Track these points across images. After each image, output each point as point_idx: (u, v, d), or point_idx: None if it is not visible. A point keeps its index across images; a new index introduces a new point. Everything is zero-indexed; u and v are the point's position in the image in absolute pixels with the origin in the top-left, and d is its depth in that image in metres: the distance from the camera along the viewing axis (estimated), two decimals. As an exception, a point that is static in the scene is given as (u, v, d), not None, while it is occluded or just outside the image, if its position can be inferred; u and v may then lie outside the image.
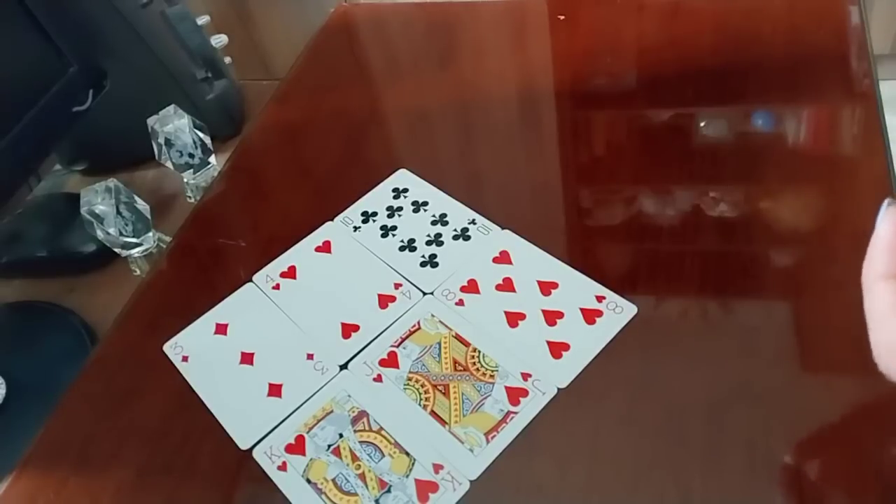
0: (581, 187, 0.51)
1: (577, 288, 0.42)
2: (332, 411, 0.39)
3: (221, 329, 0.45)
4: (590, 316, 0.41)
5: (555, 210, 0.50)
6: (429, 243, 0.47)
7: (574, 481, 0.35)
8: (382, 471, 0.36)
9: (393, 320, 0.43)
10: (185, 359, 0.44)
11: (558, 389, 0.38)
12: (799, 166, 0.48)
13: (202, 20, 0.79)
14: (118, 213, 0.60)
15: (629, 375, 0.38)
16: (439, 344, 0.41)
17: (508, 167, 0.53)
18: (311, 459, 0.37)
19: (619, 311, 0.41)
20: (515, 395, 0.38)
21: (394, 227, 0.48)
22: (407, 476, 0.36)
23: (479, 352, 0.40)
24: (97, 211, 0.59)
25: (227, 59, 0.84)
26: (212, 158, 0.68)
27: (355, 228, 0.49)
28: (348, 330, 0.43)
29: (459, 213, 0.48)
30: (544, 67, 0.62)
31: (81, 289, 0.67)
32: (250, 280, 0.47)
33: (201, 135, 0.65)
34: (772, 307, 0.40)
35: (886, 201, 0.26)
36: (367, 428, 0.38)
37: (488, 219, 0.48)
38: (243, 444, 0.39)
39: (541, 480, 0.35)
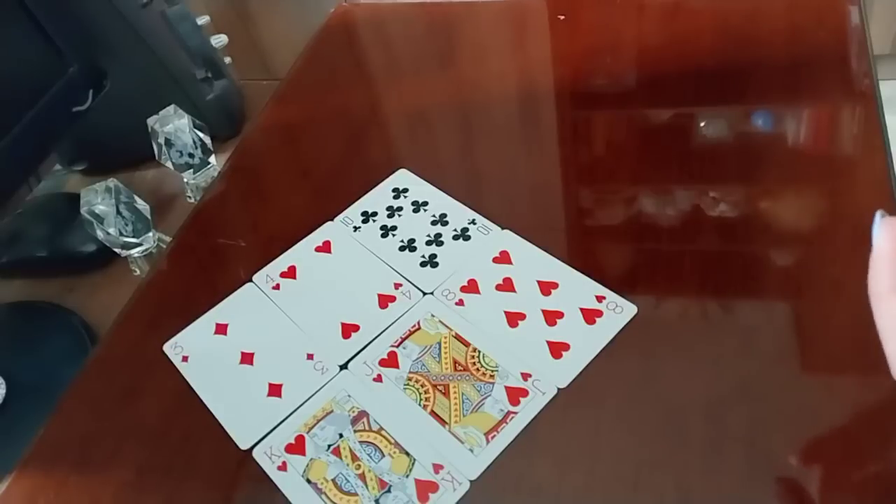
0: (581, 187, 0.51)
1: (577, 288, 0.42)
2: (332, 411, 0.39)
3: (221, 329, 0.45)
4: (590, 316, 0.41)
5: (555, 210, 0.50)
6: (429, 243, 0.47)
7: (574, 481, 0.35)
8: (382, 471, 0.36)
9: (393, 320, 0.43)
10: (185, 359, 0.44)
11: (558, 389, 0.38)
12: (799, 166, 0.48)
13: (202, 20, 0.80)
14: (118, 213, 0.60)
15: (629, 375, 0.38)
16: (439, 344, 0.41)
17: (508, 167, 0.53)
18: (311, 459, 0.37)
19: (619, 311, 0.41)
20: (515, 395, 0.38)
21: (394, 227, 0.48)
22: (407, 476, 0.36)
23: (479, 352, 0.40)
24: (97, 211, 0.59)
25: (227, 59, 0.85)
26: (212, 158, 0.68)
27: (355, 228, 0.49)
28: (348, 330, 0.43)
29: (459, 213, 0.48)
30: (544, 67, 0.62)
31: (81, 289, 0.67)
32: (250, 280, 0.47)
33: (201, 135, 0.65)
34: (772, 307, 0.40)
35: (879, 213, 0.25)
36: (367, 428, 0.38)
37: (488, 219, 0.48)
38: (243, 444, 0.39)
39: (541, 480, 0.35)
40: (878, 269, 0.25)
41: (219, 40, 0.82)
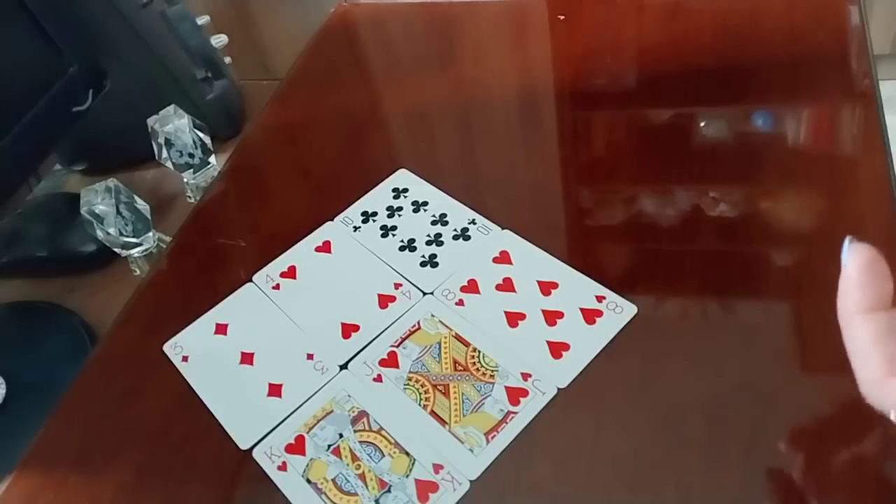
0: (581, 187, 0.51)
1: (577, 288, 0.42)
2: (332, 411, 0.39)
3: (221, 329, 0.45)
4: (590, 316, 0.41)
5: (555, 210, 0.50)
6: (429, 243, 0.47)
7: (574, 481, 0.35)
8: (382, 471, 0.36)
9: (393, 320, 0.43)
10: (185, 359, 0.44)
11: (558, 389, 0.38)
12: (799, 166, 0.48)
13: (202, 20, 0.80)
14: (118, 213, 0.60)
15: (629, 375, 0.38)
16: (439, 344, 0.41)
17: (508, 167, 0.53)
18: (311, 459, 0.37)
19: (619, 311, 0.41)
20: (515, 395, 0.38)
21: (394, 227, 0.48)
22: (407, 476, 0.36)
23: (479, 352, 0.40)
24: (97, 211, 0.59)
25: (227, 59, 0.84)
26: (212, 158, 0.68)
27: (355, 228, 0.49)
28: (348, 330, 0.43)
29: (459, 213, 0.48)
30: (544, 67, 0.62)
31: (81, 289, 0.67)
32: (250, 280, 0.47)
33: (201, 135, 0.65)
34: (772, 307, 0.40)
35: (847, 239, 0.27)
36: (367, 428, 0.38)
37: (488, 219, 0.48)
38: (243, 444, 0.39)
39: (541, 480, 0.35)
40: (846, 292, 0.26)
41: (219, 40, 0.82)
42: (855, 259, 0.26)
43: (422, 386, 0.39)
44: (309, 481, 0.36)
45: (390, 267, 0.46)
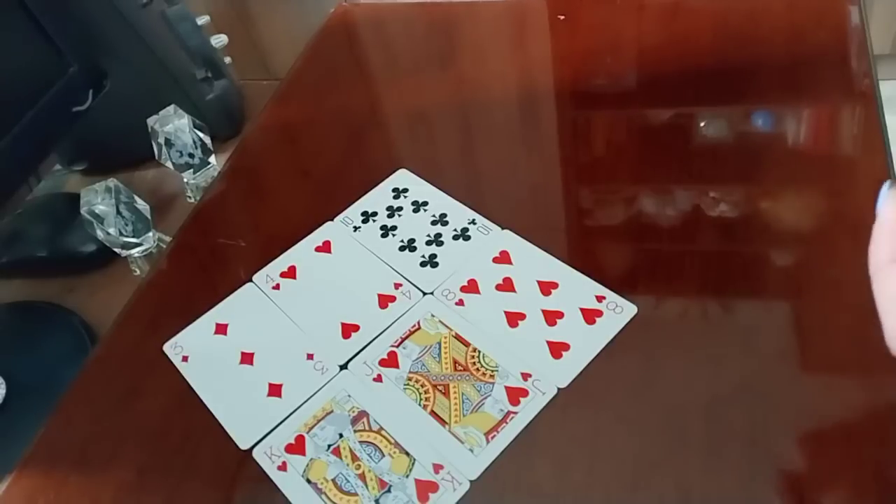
0: (581, 187, 0.51)
1: (577, 288, 0.42)
2: (332, 411, 0.39)
3: (221, 329, 0.45)
4: (590, 316, 0.41)
5: (555, 210, 0.50)
6: (429, 243, 0.47)
7: (574, 481, 0.35)
8: (382, 471, 0.36)
9: (393, 320, 0.43)
10: (185, 359, 0.44)
11: (558, 389, 0.38)
12: (799, 166, 0.48)
13: (202, 20, 0.80)
14: (118, 213, 0.60)
15: (629, 375, 0.38)
16: (439, 344, 0.41)
17: (508, 167, 0.53)
18: (311, 459, 0.37)
19: (619, 311, 0.41)
20: (515, 395, 0.38)
21: (394, 227, 0.48)
22: (407, 476, 0.36)
23: (479, 352, 0.40)
24: (97, 211, 0.59)
25: (227, 59, 0.85)
26: (212, 158, 0.68)
27: (355, 228, 0.49)
28: (348, 330, 0.43)
29: (459, 213, 0.48)
30: (544, 67, 0.62)
31: (81, 289, 0.67)
32: (250, 280, 0.47)
33: (201, 135, 0.65)
34: (772, 307, 0.40)
35: (887, 184, 0.25)
36: (367, 428, 0.38)
37: (488, 219, 0.48)
38: (243, 444, 0.39)
39: (541, 480, 0.35)
40: (880, 240, 0.24)
41: (219, 40, 0.82)
42: (892, 205, 0.24)
43: (422, 386, 0.39)
44: (309, 481, 0.36)
45: (390, 267, 0.46)
